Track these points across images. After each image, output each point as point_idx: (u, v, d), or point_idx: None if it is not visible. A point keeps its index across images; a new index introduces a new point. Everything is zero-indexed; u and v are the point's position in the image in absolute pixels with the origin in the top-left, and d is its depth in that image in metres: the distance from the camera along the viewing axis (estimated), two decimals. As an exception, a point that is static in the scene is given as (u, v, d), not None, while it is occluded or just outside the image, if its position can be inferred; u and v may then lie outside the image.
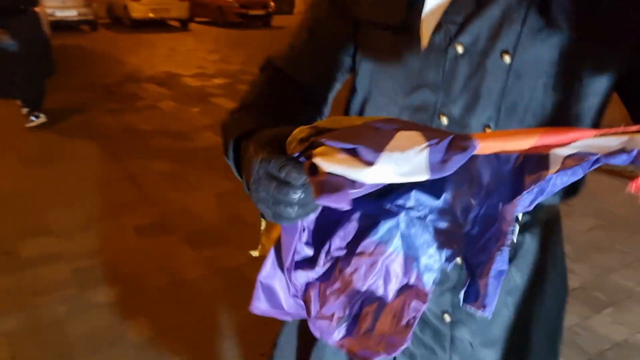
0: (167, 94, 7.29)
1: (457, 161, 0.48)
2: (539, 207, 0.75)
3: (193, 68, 9.39)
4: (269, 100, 0.86)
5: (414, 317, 0.62)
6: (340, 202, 0.49)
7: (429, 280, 0.64)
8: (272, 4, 18.20)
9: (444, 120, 0.75)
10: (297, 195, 0.56)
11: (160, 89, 7.60)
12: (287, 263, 0.63)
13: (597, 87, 0.72)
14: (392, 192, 0.65)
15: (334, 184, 0.50)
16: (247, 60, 10.44)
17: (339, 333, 0.64)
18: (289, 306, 0.68)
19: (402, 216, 0.65)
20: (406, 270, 0.65)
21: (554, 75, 0.70)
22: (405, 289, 0.64)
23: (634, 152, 0.46)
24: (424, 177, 0.49)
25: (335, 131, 0.55)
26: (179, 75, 8.70)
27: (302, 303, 0.67)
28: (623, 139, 0.48)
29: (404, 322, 0.62)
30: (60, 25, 13.94)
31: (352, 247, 0.65)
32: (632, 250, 3.03)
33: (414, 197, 0.64)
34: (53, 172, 4.27)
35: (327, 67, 0.89)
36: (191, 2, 16.87)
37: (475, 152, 0.49)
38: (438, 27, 0.73)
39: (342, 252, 0.66)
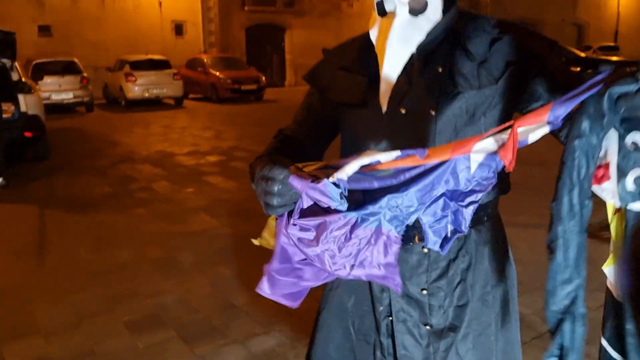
0: (161, 174, 7.28)
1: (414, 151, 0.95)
2: (479, 207, 1.03)
3: (187, 146, 9.46)
4: (282, 150, 1.24)
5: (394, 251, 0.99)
6: (302, 188, 0.93)
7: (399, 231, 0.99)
8: (263, 78, 18.66)
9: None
10: (276, 186, 0.95)
11: (155, 169, 7.61)
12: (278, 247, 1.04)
13: (493, 117, 1.15)
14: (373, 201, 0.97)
15: (304, 176, 0.94)
16: (241, 136, 10.55)
17: (350, 269, 0.99)
18: (287, 294, 1.09)
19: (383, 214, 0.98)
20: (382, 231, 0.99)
21: (464, 116, 1.14)
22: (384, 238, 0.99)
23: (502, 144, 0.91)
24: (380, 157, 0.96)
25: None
26: (173, 154, 8.75)
27: (302, 285, 1.08)
28: (498, 137, 0.92)
29: (390, 255, 0.99)
30: (57, 108, 14.18)
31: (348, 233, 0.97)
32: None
33: (387, 200, 0.96)
34: (44, 262, 4.18)
35: (321, 134, 1.37)
36: (185, 80, 17.29)
37: (423, 159, 0.94)
38: (390, 99, 1.17)
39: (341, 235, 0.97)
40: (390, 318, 1.24)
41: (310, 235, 0.98)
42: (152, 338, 3.02)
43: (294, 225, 0.98)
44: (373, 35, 1.21)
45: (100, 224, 5.15)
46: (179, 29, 22.21)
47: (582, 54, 15.11)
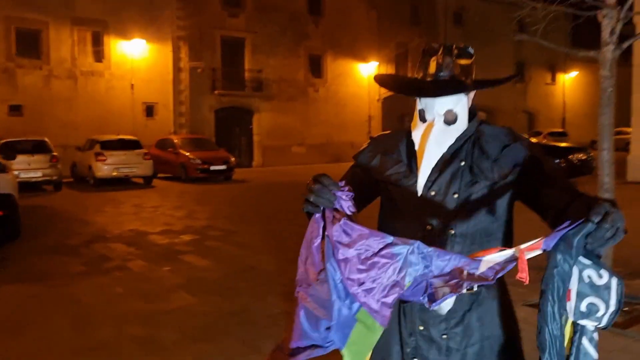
0: (136, 253, 7.34)
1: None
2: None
3: (160, 225, 9.54)
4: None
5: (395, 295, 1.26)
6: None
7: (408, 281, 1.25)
8: (232, 159, 19.07)
9: (429, 227, 1.55)
10: (317, 186, 1.35)
11: (129, 248, 7.65)
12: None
13: (501, 207, 1.54)
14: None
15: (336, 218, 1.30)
16: (214, 215, 10.70)
17: (358, 286, 1.26)
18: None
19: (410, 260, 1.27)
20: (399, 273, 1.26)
21: (480, 202, 1.52)
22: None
23: (515, 261, 1.18)
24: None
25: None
26: (147, 232, 8.81)
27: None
28: (510, 252, 1.21)
29: (390, 296, 1.25)
30: (24, 186, 14.08)
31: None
32: None
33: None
34: (25, 340, 4.16)
35: (366, 194, 1.67)
36: (155, 160, 17.52)
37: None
38: (425, 184, 1.56)
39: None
40: (416, 359, 1.55)
41: (347, 239, 1.26)
42: (141, 414, 3.07)
43: (340, 225, 1.28)
44: (416, 136, 1.62)
45: (77, 303, 5.16)
46: (149, 110, 22.70)
47: (534, 140, 16.08)
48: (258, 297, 5.20)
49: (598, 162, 4.52)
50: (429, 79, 1.56)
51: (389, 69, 30.11)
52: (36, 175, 14.69)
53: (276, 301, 5.02)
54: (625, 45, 4.44)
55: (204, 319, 4.65)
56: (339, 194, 1.33)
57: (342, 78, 28.86)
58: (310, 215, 1.40)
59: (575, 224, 1.15)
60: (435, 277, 1.25)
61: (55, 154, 15.34)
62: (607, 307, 1.20)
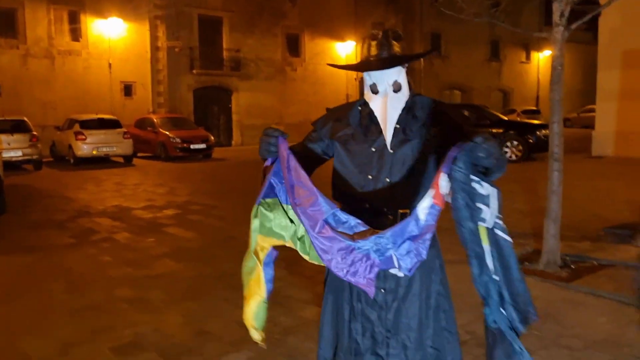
0: (121, 226, 7.65)
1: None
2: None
3: (142, 201, 9.83)
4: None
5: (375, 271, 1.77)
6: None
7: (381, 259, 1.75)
8: (212, 138, 19.27)
9: (369, 177, 1.97)
10: (271, 139, 1.96)
11: (113, 222, 7.95)
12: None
13: (430, 161, 1.95)
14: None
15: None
16: (194, 191, 11.01)
17: (345, 274, 1.78)
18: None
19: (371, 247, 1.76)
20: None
21: (410, 155, 1.93)
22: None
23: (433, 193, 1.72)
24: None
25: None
26: (130, 208, 9.10)
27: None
28: (431, 191, 1.73)
29: (372, 273, 1.75)
30: (4, 166, 14.16)
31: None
32: (545, 334, 3.60)
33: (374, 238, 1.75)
34: (21, 307, 4.49)
35: (310, 156, 2.15)
36: (134, 139, 17.65)
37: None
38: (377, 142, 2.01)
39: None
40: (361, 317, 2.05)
41: (327, 247, 1.77)
42: (138, 359, 3.45)
43: (316, 237, 1.77)
44: (375, 105, 2.03)
45: (68, 271, 5.48)
46: (128, 90, 22.70)
47: (505, 117, 16.61)
48: (239, 263, 5.53)
49: (549, 133, 4.96)
50: (372, 58, 2.00)
51: (366, 48, 30.31)
52: (16, 154, 14.77)
53: (256, 266, 5.42)
54: (574, 26, 4.85)
55: (189, 282, 5.03)
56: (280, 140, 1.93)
57: (320, 57, 29.02)
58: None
59: (461, 146, 1.64)
60: (398, 248, 1.74)
61: (35, 133, 15.41)
62: (490, 210, 1.70)
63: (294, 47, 28.25)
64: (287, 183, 1.88)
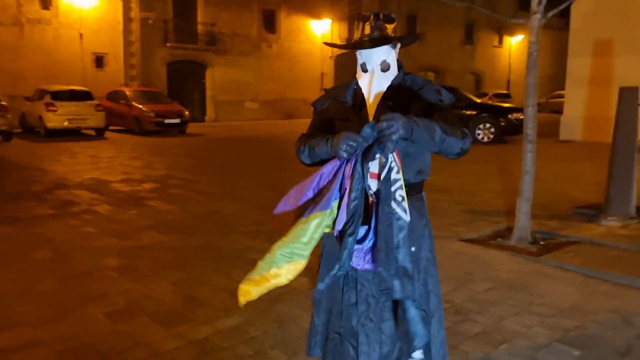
0: (100, 198, 7.66)
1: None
2: (405, 184, 1.95)
3: (119, 174, 9.81)
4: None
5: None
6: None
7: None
8: (187, 113, 19.14)
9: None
10: (360, 146, 1.94)
11: (92, 194, 7.96)
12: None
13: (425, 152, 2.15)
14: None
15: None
16: (171, 166, 11.02)
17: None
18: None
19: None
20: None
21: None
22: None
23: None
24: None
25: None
26: (107, 181, 9.09)
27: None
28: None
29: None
30: (-27, 136, 13.89)
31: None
32: (517, 303, 3.87)
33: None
34: (9, 275, 4.54)
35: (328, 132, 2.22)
36: (106, 112, 17.41)
37: None
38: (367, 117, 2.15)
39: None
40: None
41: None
42: (131, 324, 3.57)
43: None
44: (363, 83, 2.22)
45: (53, 241, 5.52)
46: (99, 61, 22.27)
47: (478, 100, 16.94)
48: (223, 235, 5.72)
49: (524, 116, 5.20)
50: (365, 38, 2.16)
51: (342, 27, 30.31)
52: (-15, 125, 14.45)
53: (240, 239, 5.56)
54: (550, 14, 5.07)
55: (175, 252, 5.14)
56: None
57: (296, 34, 28.91)
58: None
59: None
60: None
61: (4, 103, 15.05)
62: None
63: (270, 23, 28.04)
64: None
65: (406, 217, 1.92)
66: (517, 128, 14.28)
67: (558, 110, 21.65)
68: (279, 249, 2.05)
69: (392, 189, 1.90)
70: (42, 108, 16.00)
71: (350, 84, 2.28)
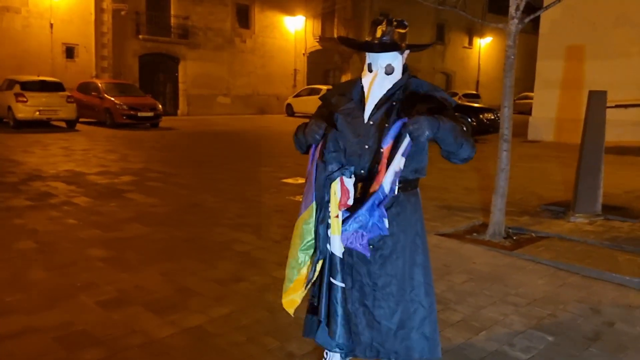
0: (78, 190, 7.63)
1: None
2: (402, 180, 2.22)
3: (95, 167, 9.75)
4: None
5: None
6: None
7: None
8: (160, 106, 18.98)
9: (366, 147, 2.28)
10: (320, 130, 2.29)
11: (69, 186, 7.91)
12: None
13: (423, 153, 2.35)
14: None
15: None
16: (147, 159, 10.98)
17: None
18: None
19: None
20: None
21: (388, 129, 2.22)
22: None
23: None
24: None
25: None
26: (83, 173, 9.03)
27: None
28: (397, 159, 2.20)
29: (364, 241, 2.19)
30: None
31: None
32: (493, 293, 4.09)
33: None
34: (-5, 263, 4.54)
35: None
36: (77, 104, 17.14)
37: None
38: (368, 117, 2.32)
39: None
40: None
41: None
42: (124, 312, 3.65)
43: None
44: (365, 82, 2.36)
45: (35, 232, 5.51)
46: (70, 52, 21.85)
47: (458, 101, 17.31)
48: (207, 228, 5.80)
49: (500, 116, 5.44)
50: (376, 41, 2.30)
51: (315, 25, 30.43)
52: (-48, 114, 14.08)
53: (224, 231, 5.66)
54: (527, 20, 5.31)
55: (161, 244, 5.21)
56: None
57: (269, 30, 28.89)
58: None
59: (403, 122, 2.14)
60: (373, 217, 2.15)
61: (-29, 93, 14.70)
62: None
63: (244, 18, 27.95)
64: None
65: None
66: (488, 128, 14.68)
67: (524, 111, 22.27)
68: (299, 250, 2.27)
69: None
70: (12, 98, 15.67)
71: (357, 81, 2.42)
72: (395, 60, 2.31)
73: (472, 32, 39.63)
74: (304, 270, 2.31)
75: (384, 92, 2.29)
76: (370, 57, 2.34)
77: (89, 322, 3.48)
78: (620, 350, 3.25)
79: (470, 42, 40.36)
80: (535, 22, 16.64)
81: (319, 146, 2.31)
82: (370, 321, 2.33)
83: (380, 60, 2.29)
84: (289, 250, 2.37)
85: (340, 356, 2.44)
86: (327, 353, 2.52)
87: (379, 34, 2.28)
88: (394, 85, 2.30)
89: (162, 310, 3.69)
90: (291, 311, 2.37)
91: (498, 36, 39.68)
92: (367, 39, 2.32)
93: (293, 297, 2.33)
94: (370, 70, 2.34)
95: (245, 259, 4.80)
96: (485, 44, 40.86)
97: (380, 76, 2.30)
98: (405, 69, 2.37)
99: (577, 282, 4.39)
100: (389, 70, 2.30)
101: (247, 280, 4.28)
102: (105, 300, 3.82)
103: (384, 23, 2.28)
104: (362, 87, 2.36)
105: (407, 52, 2.35)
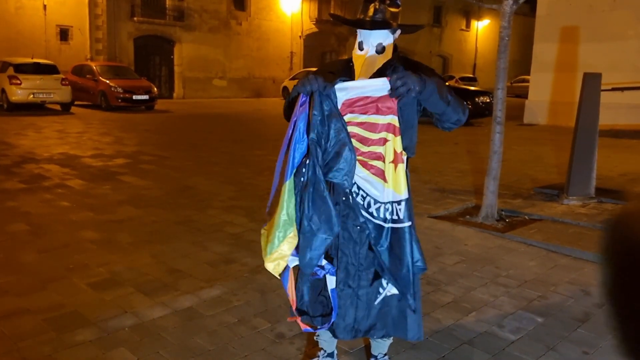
0: (72, 173, 7.60)
1: None
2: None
3: (89, 150, 9.71)
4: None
5: None
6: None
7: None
8: (155, 89, 18.87)
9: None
10: (314, 86, 2.18)
11: (63, 169, 7.88)
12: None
13: (411, 111, 2.29)
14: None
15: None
16: (141, 142, 10.94)
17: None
18: None
19: None
20: None
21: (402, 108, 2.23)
22: None
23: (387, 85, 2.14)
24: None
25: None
26: (78, 156, 8.99)
27: None
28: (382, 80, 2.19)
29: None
30: None
31: None
32: (484, 275, 4.11)
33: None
34: (-13, 245, 4.54)
35: None
36: (71, 86, 17.03)
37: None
38: None
39: None
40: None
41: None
42: (115, 293, 3.65)
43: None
44: (356, 60, 2.34)
45: (28, 214, 5.50)
46: (64, 34, 21.65)
47: (447, 83, 17.26)
48: (199, 210, 5.80)
49: (494, 98, 5.41)
50: (367, 19, 2.27)
51: (312, 7, 30.15)
52: (-55, 96, 13.97)
53: (216, 214, 5.65)
54: (522, 1, 5.26)
55: (153, 226, 5.21)
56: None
57: (266, 12, 28.63)
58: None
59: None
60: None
61: (-36, 75, 14.58)
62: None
63: (239, 0, 27.68)
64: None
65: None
66: (483, 111, 14.65)
67: (521, 94, 22.22)
68: (274, 233, 2.33)
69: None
70: (5, 81, 15.54)
71: (347, 61, 2.40)
72: (387, 39, 2.29)
73: (470, 14, 39.35)
74: (276, 254, 2.35)
75: (374, 70, 2.28)
76: (361, 35, 2.31)
77: (81, 303, 3.49)
78: (609, 332, 3.27)
79: (468, 25, 40.10)
80: (533, 4, 16.52)
81: (309, 102, 2.21)
82: (354, 302, 2.34)
83: (372, 38, 2.27)
84: (271, 226, 2.38)
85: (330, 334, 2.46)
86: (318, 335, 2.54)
87: (371, 11, 2.26)
88: (384, 64, 2.29)
89: (153, 291, 3.69)
90: (276, 274, 2.39)
91: (495, 19, 39.37)
92: (360, 16, 2.30)
93: (279, 261, 2.36)
94: (361, 49, 2.31)
95: (237, 241, 4.80)
96: (482, 27, 40.59)
97: (371, 55, 2.28)
98: (395, 49, 2.35)
99: (568, 264, 4.41)
100: (380, 50, 2.28)
101: (238, 262, 4.28)
102: (96, 282, 3.83)
103: (376, 1, 2.25)
104: (352, 65, 2.34)
105: (398, 32, 2.33)
